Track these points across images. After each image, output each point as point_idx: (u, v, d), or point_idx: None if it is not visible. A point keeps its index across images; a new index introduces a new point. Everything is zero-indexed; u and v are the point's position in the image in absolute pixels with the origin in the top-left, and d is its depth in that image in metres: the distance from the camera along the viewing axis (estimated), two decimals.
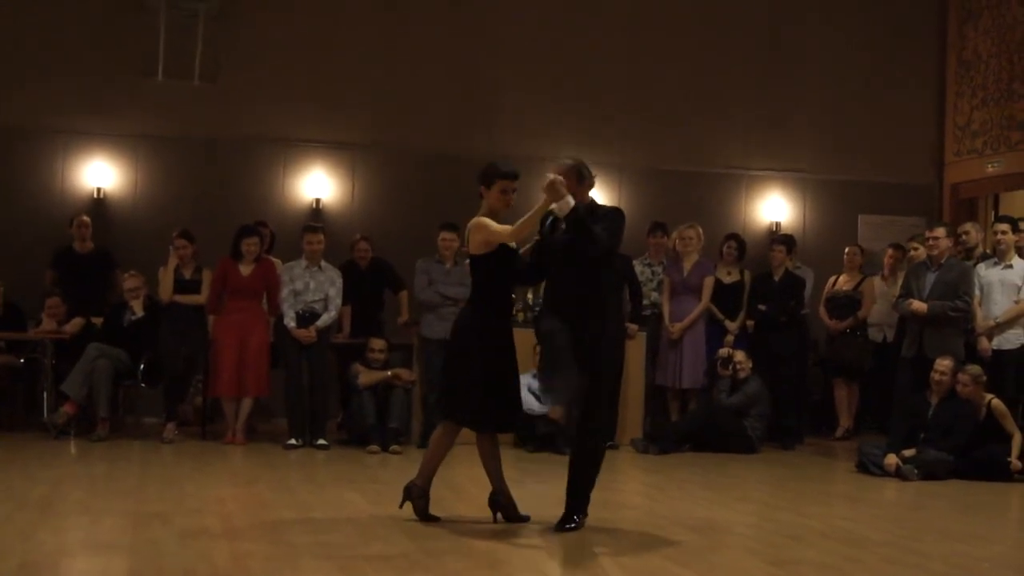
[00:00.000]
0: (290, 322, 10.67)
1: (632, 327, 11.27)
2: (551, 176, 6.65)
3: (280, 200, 12.99)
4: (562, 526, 6.81)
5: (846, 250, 12.53)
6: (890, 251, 12.54)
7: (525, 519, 6.96)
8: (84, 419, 10.74)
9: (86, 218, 11.81)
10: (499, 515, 6.98)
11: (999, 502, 8.97)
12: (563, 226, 6.72)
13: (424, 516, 6.93)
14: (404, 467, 9.64)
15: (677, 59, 13.92)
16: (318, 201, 13.02)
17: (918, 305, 10.23)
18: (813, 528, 7.33)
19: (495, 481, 7.01)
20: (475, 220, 6.94)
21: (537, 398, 9.66)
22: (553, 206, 6.65)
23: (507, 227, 6.82)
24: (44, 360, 11.18)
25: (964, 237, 11.00)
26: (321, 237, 10.92)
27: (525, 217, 6.76)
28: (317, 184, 13.06)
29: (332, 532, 6.61)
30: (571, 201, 6.63)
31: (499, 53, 13.50)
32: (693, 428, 11.15)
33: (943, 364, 9.84)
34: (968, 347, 10.31)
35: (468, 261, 7.07)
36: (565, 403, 7.95)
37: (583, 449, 6.96)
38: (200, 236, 11.10)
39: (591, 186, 7.12)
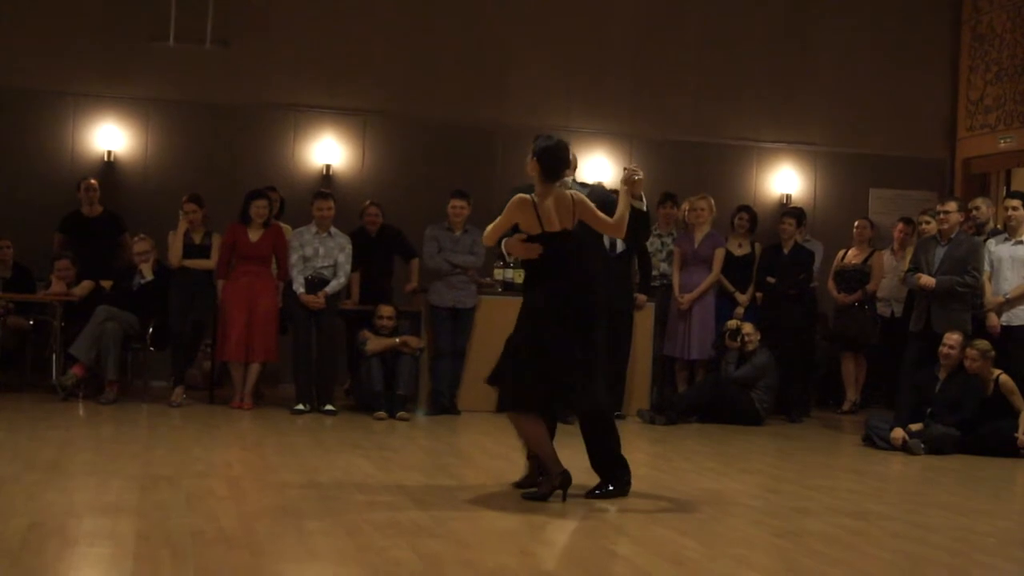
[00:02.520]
0: (299, 288, 10.68)
1: (641, 297, 11.28)
2: (640, 172, 6.86)
3: (290, 166, 12.97)
4: (592, 493, 6.94)
5: (856, 223, 12.48)
6: (900, 225, 12.51)
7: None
8: (92, 381, 10.77)
9: (93, 181, 11.80)
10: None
11: (1005, 477, 8.98)
12: None
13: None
14: (411, 434, 9.70)
15: (689, 30, 13.86)
16: (328, 167, 13.00)
17: (926, 279, 10.21)
18: (818, 500, 7.34)
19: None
20: (578, 195, 6.79)
21: None
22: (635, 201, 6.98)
23: (607, 217, 6.81)
24: (53, 322, 11.19)
25: (975, 213, 10.96)
26: (331, 203, 10.91)
27: (621, 212, 6.81)
28: (327, 150, 13.04)
29: (339, 497, 6.63)
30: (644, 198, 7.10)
31: (510, 22, 13.45)
32: (700, 399, 11.16)
33: (952, 338, 9.83)
34: (977, 322, 10.30)
35: (555, 235, 6.75)
36: None
37: (588, 420, 7.04)
38: (210, 201, 11.09)
39: None
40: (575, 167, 7.31)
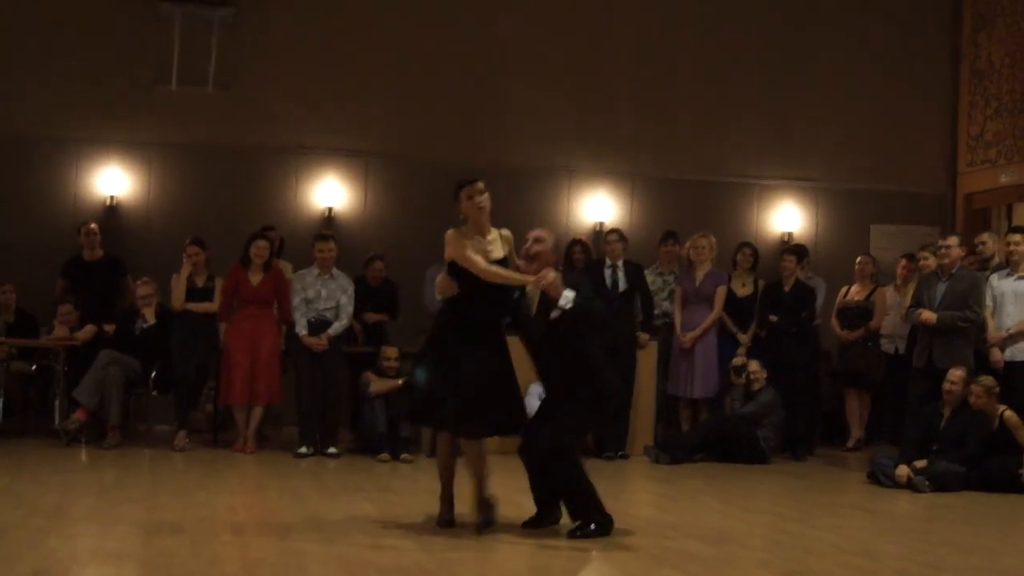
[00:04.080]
0: (302, 330, 10.68)
1: (643, 336, 11.27)
2: (552, 275, 6.90)
3: (293, 208, 13.01)
4: (572, 533, 6.89)
5: (858, 260, 12.48)
6: (903, 261, 12.49)
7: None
8: (95, 426, 10.74)
9: (93, 226, 11.82)
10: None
11: (1011, 514, 8.93)
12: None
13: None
14: (414, 476, 9.66)
15: (689, 69, 13.91)
16: (330, 209, 13.03)
17: (927, 315, 10.21)
18: (824, 539, 7.31)
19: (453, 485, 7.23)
20: (449, 232, 7.26)
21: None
22: (559, 303, 6.94)
23: (481, 261, 7.06)
24: (56, 367, 11.19)
25: (981, 247, 10.97)
26: (332, 245, 10.93)
27: (506, 273, 7.07)
28: (330, 192, 13.08)
29: (343, 540, 6.61)
30: (570, 295, 6.95)
31: (512, 63, 13.51)
32: (705, 438, 11.11)
33: (955, 374, 9.81)
34: (980, 358, 10.28)
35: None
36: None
37: (551, 468, 7.06)
38: (212, 243, 11.12)
39: None
40: (556, 247, 7.43)
